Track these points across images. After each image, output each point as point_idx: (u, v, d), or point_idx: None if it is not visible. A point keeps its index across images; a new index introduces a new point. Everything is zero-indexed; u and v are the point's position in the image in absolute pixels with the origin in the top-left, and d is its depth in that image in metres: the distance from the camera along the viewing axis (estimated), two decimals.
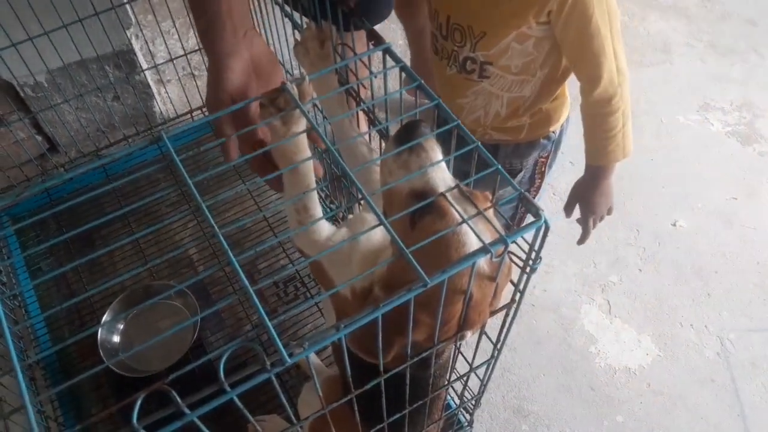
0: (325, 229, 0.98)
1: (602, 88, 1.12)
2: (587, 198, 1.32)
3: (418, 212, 0.76)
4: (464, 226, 0.73)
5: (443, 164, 0.80)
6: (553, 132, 1.32)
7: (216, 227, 0.69)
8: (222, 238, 0.68)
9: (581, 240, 1.41)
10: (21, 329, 1.63)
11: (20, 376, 0.66)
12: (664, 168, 2.40)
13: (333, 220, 1.82)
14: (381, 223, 0.67)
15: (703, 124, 2.57)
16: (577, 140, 1.28)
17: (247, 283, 0.65)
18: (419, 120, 0.84)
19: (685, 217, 2.25)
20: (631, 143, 1.21)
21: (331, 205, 1.87)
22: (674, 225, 2.23)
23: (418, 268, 0.66)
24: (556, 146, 1.36)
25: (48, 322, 1.66)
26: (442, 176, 0.80)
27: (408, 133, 0.80)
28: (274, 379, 0.63)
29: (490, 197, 0.80)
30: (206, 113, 2.05)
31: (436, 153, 0.80)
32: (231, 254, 0.67)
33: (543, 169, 1.39)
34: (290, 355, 0.62)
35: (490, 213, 0.74)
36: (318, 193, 1.88)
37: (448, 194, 0.75)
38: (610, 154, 1.21)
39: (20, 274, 1.75)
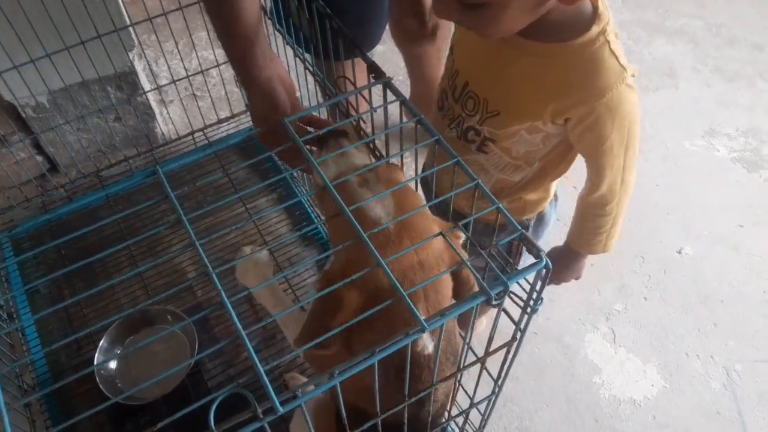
0: None
1: (599, 195, 1.12)
2: (558, 270, 1.35)
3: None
4: (361, 198, 0.84)
5: (352, 151, 0.92)
6: (528, 219, 1.31)
7: (210, 267, 0.68)
8: (216, 279, 0.66)
9: None
10: (17, 353, 1.61)
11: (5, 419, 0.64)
12: (669, 194, 2.38)
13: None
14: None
15: (708, 149, 2.55)
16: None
17: (240, 326, 0.64)
18: (337, 130, 0.95)
19: (690, 245, 2.23)
20: (614, 242, 1.24)
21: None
22: (680, 252, 2.21)
23: (417, 313, 0.64)
24: (535, 229, 1.36)
25: (44, 345, 1.65)
26: (350, 162, 0.91)
27: (323, 139, 0.94)
28: (267, 426, 0.62)
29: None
30: (206, 135, 2.05)
31: (344, 144, 0.93)
32: (225, 296, 0.65)
33: (519, 250, 1.37)
34: (282, 404, 0.61)
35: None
36: (317, 219, 1.87)
37: (354, 174, 0.86)
38: (591, 247, 1.24)
39: (18, 297, 1.74)
